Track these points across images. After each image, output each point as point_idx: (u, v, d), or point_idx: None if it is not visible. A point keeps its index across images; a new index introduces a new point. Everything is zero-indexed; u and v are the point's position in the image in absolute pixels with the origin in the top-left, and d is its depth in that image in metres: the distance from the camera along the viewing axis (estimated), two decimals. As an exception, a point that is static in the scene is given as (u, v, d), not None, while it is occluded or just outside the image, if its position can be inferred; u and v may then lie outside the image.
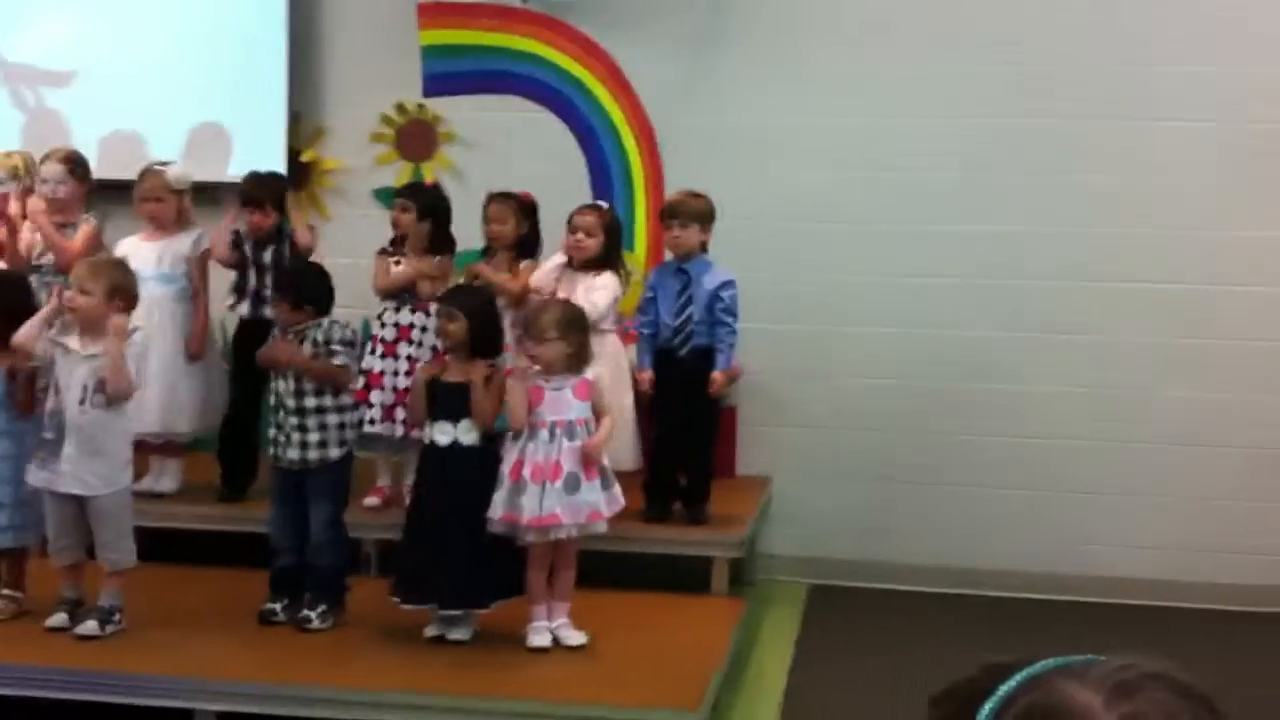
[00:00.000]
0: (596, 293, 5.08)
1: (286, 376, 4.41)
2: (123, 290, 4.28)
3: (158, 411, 5.25)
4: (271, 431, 4.48)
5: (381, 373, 5.15)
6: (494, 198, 5.34)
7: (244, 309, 5.39)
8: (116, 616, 4.28)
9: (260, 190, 5.36)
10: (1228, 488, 5.75)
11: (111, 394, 4.18)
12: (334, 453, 4.41)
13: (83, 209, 5.49)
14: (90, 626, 4.22)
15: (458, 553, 4.20)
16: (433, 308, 5.16)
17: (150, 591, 4.45)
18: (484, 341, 4.35)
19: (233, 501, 5.31)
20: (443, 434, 4.28)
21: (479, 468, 4.25)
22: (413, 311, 5.23)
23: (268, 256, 5.35)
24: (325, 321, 4.45)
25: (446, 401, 4.31)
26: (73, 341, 4.22)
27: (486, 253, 5.37)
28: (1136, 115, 5.74)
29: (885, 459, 5.93)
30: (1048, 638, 5.11)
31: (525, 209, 5.34)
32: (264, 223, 5.32)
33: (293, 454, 4.38)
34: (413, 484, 4.54)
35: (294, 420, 4.38)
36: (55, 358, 4.24)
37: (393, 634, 4.34)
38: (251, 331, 5.18)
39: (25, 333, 4.29)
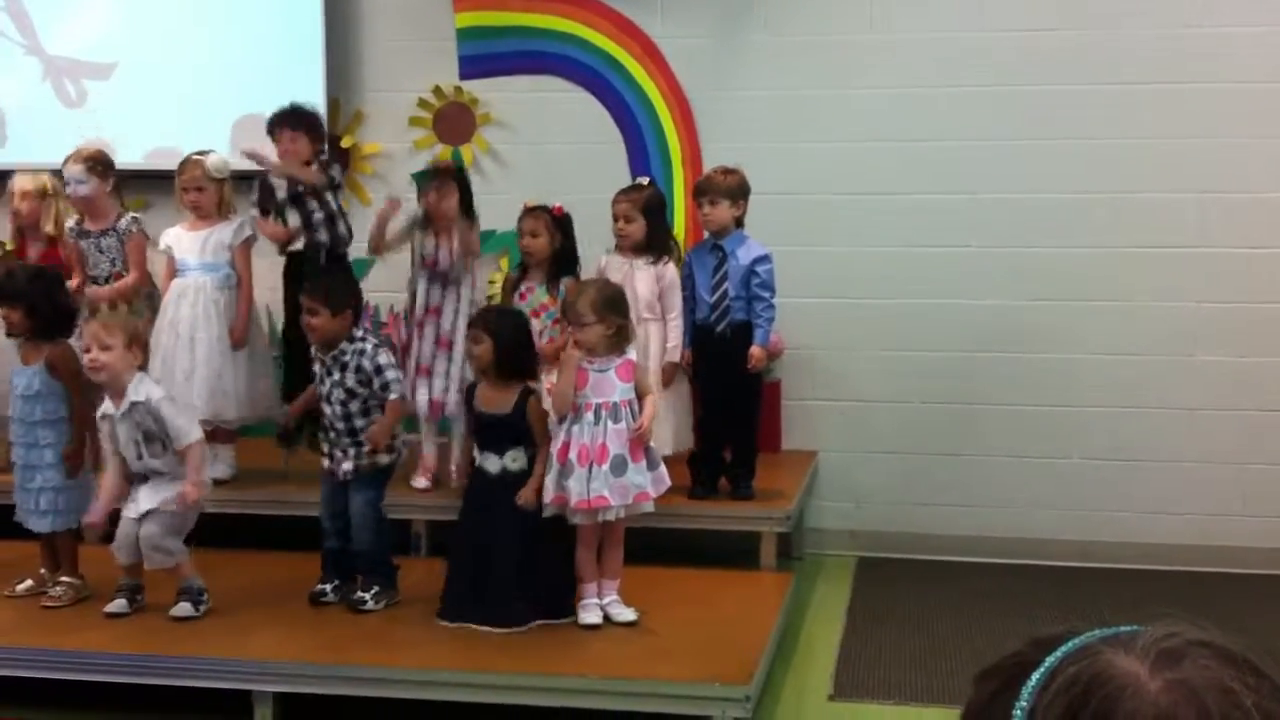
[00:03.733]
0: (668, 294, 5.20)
1: (331, 401, 4.43)
2: (139, 338, 4.35)
3: (205, 399, 5.31)
4: (325, 446, 4.51)
5: (409, 348, 5.19)
6: (528, 211, 5.26)
7: (298, 244, 5.42)
8: (204, 595, 4.36)
9: (286, 117, 5.36)
10: (1264, 452, 5.72)
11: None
12: (384, 459, 4.46)
13: (115, 206, 5.52)
14: (184, 608, 4.31)
15: (501, 579, 4.22)
16: (462, 290, 5.20)
17: (204, 576, 4.51)
18: (511, 364, 4.31)
19: (293, 445, 5.31)
20: (491, 464, 4.30)
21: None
22: (443, 290, 5.23)
23: (315, 210, 5.35)
24: (362, 344, 4.42)
25: (489, 433, 4.32)
26: (109, 407, 4.28)
27: (522, 268, 5.32)
28: (1166, 79, 5.70)
29: (928, 430, 5.94)
30: (1093, 605, 5.12)
31: (559, 222, 5.23)
32: (294, 149, 5.30)
33: (347, 466, 4.43)
34: (462, 505, 4.49)
35: (346, 440, 4.43)
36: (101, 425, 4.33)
37: (445, 614, 4.39)
38: (301, 262, 5.28)
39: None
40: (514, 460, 4.29)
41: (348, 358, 4.40)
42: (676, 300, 5.22)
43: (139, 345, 4.31)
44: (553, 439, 4.24)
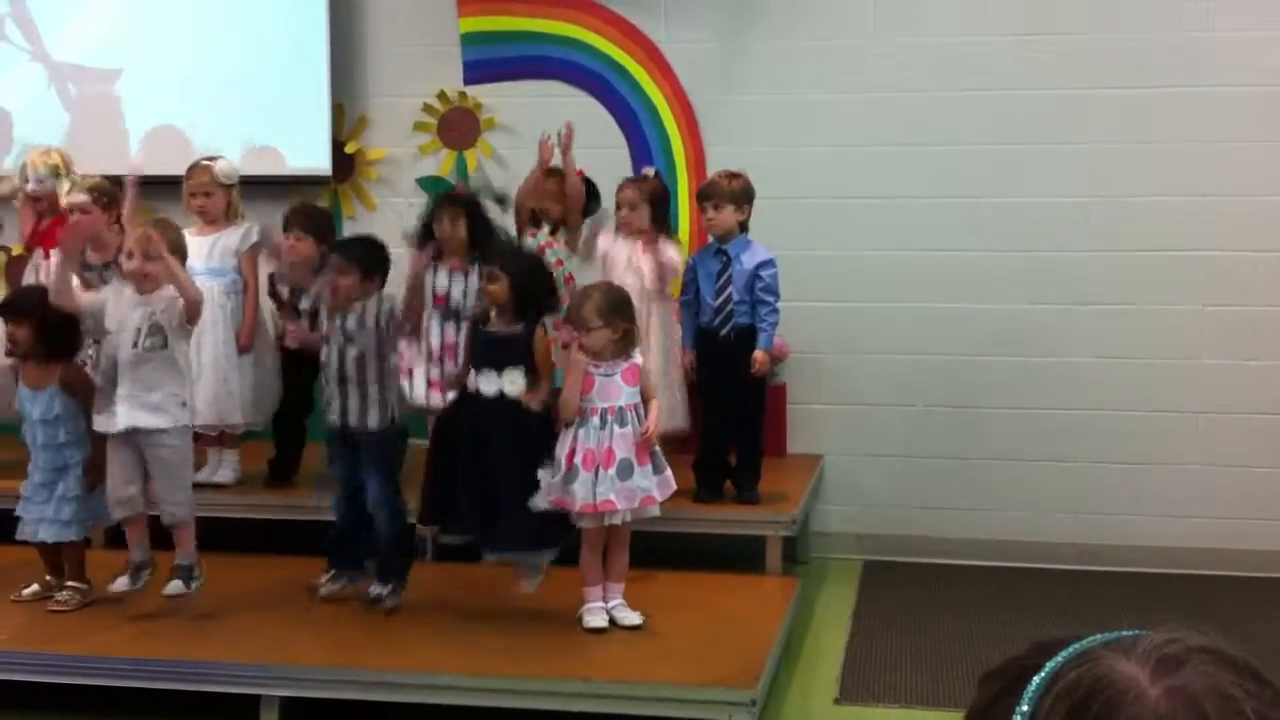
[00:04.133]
0: (667, 254, 5.22)
1: (345, 361, 4.35)
2: (181, 248, 4.40)
3: (210, 403, 5.30)
4: (336, 402, 4.39)
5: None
6: (549, 173, 5.35)
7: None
8: (197, 572, 4.37)
9: (299, 217, 5.38)
10: (1270, 455, 5.72)
11: (190, 310, 4.23)
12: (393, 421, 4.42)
13: (115, 238, 5.45)
14: (176, 586, 4.32)
15: (514, 501, 4.19)
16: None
17: (209, 580, 4.52)
18: (527, 303, 4.32)
19: (279, 488, 5.38)
20: (488, 384, 4.28)
21: (523, 419, 4.26)
22: (457, 327, 5.07)
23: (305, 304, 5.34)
24: (386, 302, 4.42)
25: (490, 350, 4.30)
26: (128, 290, 4.27)
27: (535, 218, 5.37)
28: (1169, 83, 5.70)
29: (933, 434, 5.93)
30: (1098, 609, 5.12)
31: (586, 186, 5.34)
32: (298, 248, 5.26)
33: (353, 421, 4.36)
34: (439, 421, 4.47)
35: (356, 391, 4.35)
36: (105, 305, 4.29)
37: (450, 617, 4.40)
38: (296, 353, 5.23)
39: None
40: (512, 383, 4.25)
41: (369, 317, 4.36)
42: (677, 264, 5.30)
43: (181, 256, 4.34)
44: (559, 443, 4.25)
